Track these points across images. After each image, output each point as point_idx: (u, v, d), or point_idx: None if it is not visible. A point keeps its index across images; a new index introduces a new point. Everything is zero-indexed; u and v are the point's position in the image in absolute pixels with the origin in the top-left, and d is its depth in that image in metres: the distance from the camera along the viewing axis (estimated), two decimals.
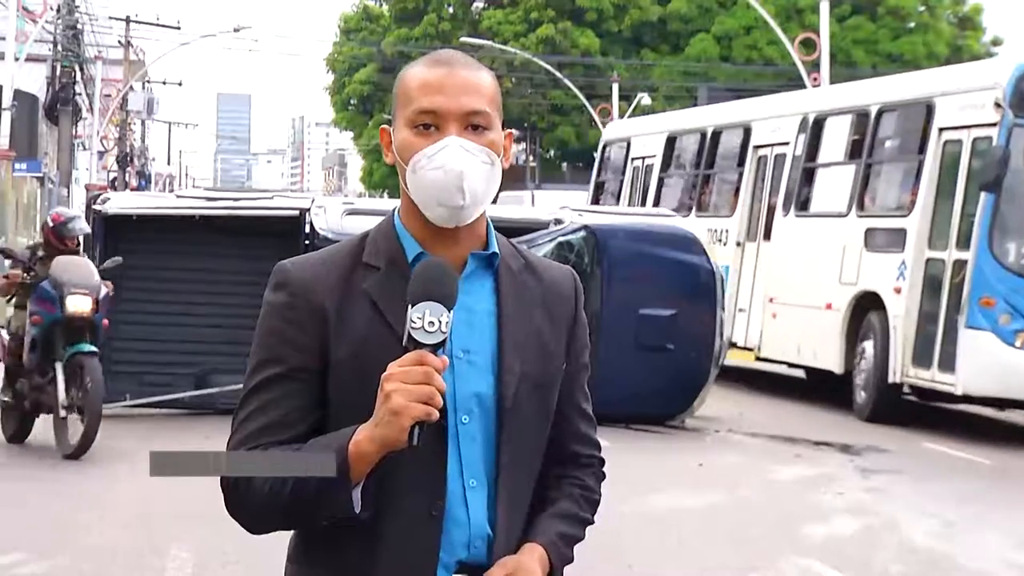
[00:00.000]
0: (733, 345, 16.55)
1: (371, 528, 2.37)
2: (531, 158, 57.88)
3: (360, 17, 58.97)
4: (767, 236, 17.30)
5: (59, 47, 44.21)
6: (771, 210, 17.28)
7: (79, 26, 46.16)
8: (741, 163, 18.21)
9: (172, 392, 13.81)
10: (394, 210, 2.51)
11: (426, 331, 2.26)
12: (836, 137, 16.34)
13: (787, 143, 17.18)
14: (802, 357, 16.52)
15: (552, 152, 59.26)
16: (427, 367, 2.25)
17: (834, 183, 16.21)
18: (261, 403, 2.41)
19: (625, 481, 9.50)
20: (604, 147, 23.25)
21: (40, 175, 42.98)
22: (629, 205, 20.66)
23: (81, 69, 46.65)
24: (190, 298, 14.03)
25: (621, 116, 46.12)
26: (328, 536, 2.40)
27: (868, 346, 14.70)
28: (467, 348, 2.43)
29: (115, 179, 57.00)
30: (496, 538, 2.42)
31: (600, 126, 46.67)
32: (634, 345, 13.76)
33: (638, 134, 22.04)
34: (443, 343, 2.28)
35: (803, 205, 16.69)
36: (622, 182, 21.64)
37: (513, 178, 54.09)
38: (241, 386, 2.47)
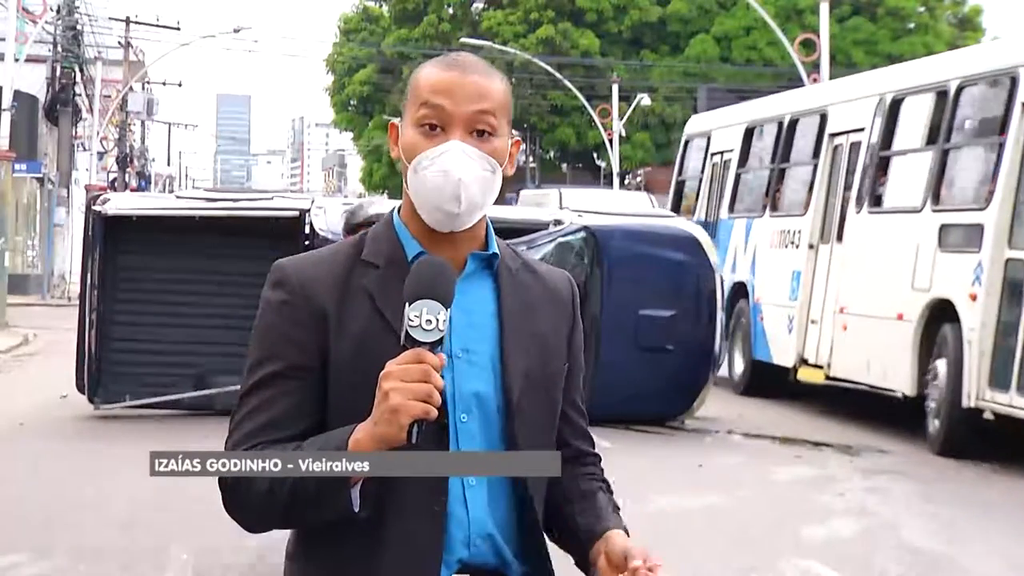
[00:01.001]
0: (804, 362, 15.57)
1: (372, 526, 2.37)
2: (531, 159, 57.86)
3: (360, 18, 58.95)
4: (840, 237, 15.33)
5: (59, 48, 44.19)
6: (845, 207, 15.37)
7: (79, 27, 46.14)
8: (816, 154, 16.21)
9: (172, 392, 13.82)
10: (394, 209, 2.52)
11: (424, 329, 2.26)
12: (913, 120, 14.17)
13: (863, 129, 15.10)
14: (871, 376, 14.33)
15: (552, 153, 59.24)
16: (425, 365, 2.25)
17: (909, 174, 14.09)
18: (259, 401, 2.41)
19: (625, 481, 9.48)
20: (685, 143, 21.17)
21: (40, 176, 42.95)
22: (707, 206, 19.21)
23: (81, 70, 46.62)
24: (190, 299, 14.04)
25: (621, 117, 46.14)
26: (328, 534, 2.40)
27: (941, 364, 12.70)
28: (467, 347, 2.43)
29: (115, 180, 56.93)
30: (505, 536, 2.43)
31: (600, 127, 46.69)
32: (634, 346, 13.77)
33: (718, 127, 19.87)
34: (441, 341, 2.28)
35: (876, 200, 14.67)
36: (700, 181, 19.80)
37: (513, 178, 54.05)
38: (240, 387, 2.47)
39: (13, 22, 29.87)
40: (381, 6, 58.76)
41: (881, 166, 14.64)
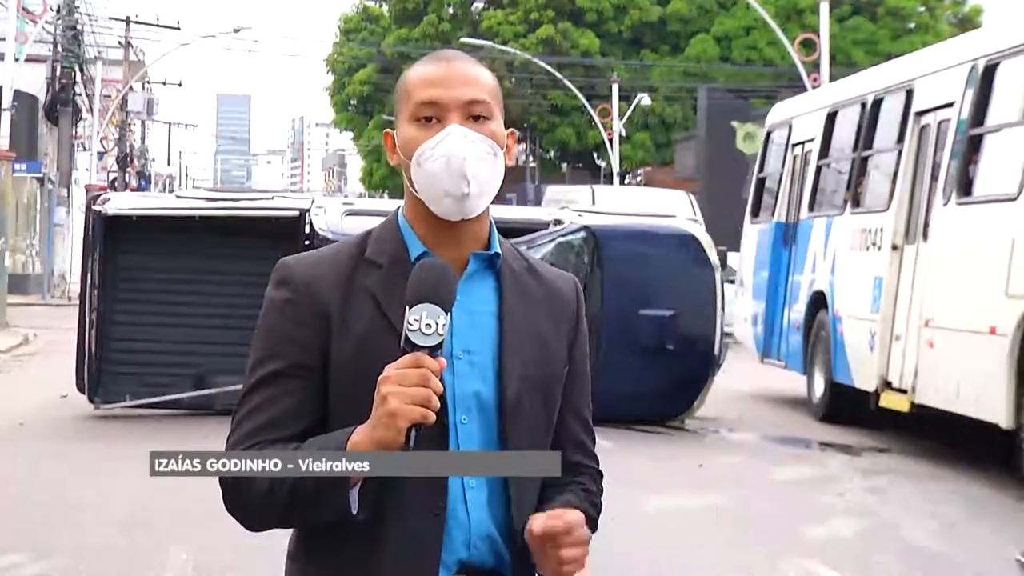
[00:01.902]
0: (887, 385, 13.15)
1: (373, 527, 2.37)
2: (531, 158, 57.86)
3: (360, 18, 58.96)
4: (926, 235, 12.86)
5: (59, 48, 44.20)
6: (932, 199, 12.89)
7: (79, 26, 46.15)
8: (901, 138, 13.76)
9: (172, 392, 13.82)
10: (398, 209, 2.52)
11: (423, 333, 2.26)
12: (1010, 89, 11.77)
13: (952, 104, 12.71)
14: (962, 404, 11.80)
15: (552, 152, 59.24)
16: (424, 369, 2.24)
17: (1004, 154, 11.71)
18: (261, 400, 2.41)
19: (625, 481, 9.50)
20: (768, 135, 18.62)
21: (40, 176, 42.98)
22: (788, 206, 16.91)
23: (81, 70, 46.64)
24: (190, 298, 14.05)
25: (621, 117, 46.13)
26: (329, 535, 2.40)
27: None
28: (468, 348, 2.43)
29: (115, 180, 56.94)
30: (514, 541, 2.42)
31: (600, 127, 46.69)
32: (634, 346, 13.78)
33: (800, 114, 17.41)
34: (440, 345, 2.27)
35: (966, 188, 12.24)
36: (781, 175, 17.37)
37: (513, 178, 54.10)
38: (240, 387, 2.47)
39: (13, 22, 29.87)
40: (381, 6, 58.76)
41: (972, 147, 12.23)
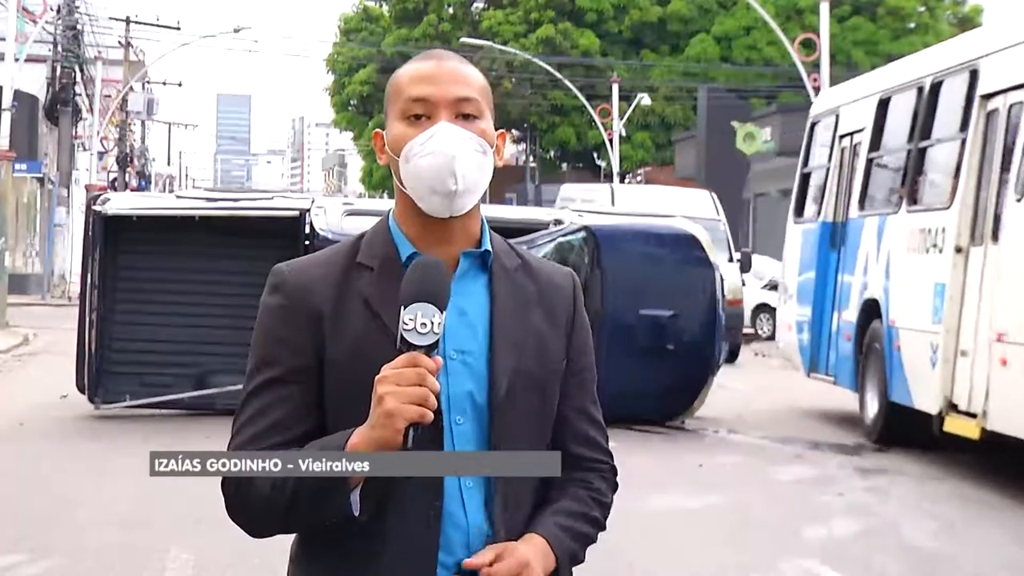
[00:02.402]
0: (953, 408, 11.66)
1: (371, 529, 2.37)
2: (531, 158, 57.87)
3: (360, 18, 58.96)
4: (995, 236, 11.37)
5: (59, 48, 44.20)
6: (1002, 195, 11.42)
7: (79, 27, 46.15)
8: (965, 126, 12.17)
9: (172, 392, 13.83)
10: (389, 211, 2.52)
11: (418, 332, 2.25)
12: None
13: None
14: None
15: (552, 152, 59.25)
16: (420, 368, 2.24)
17: None
18: (260, 406, 2.41)
19: (625, 481, 9.46)
20: (812, 126, 16.95)
21: (40, 175, 42.97)
22: (835, 203, 15.30)
23: (81, 70, 46.64)
24: (190, 298, 14.05)
25: (621, 117, 46.13)
26: (329, 536, 2.40)
27: None
28: (461, 348, 2.43)
29: (115, 180, 56.97)
30: (495, 539, 2.41)
31: (600, 127, 46.68)
32: (634, 346, 13.78)
33: (848, 102, 15.70)
34: (436, 344, 2.27)
35: None
36: (828, 171, 15.68)
37: (513, 178, 54.12)
38: (240, 387, 2.47)
39: (13, 22, 29.86)
40: (381, 6, 58.77)
41: None
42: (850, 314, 14.15)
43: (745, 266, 24.01)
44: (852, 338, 14.03)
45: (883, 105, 14.36)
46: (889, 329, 13.03)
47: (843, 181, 15.21)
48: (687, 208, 23.14)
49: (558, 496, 2.50)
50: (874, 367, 13.44)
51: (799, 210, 16.74)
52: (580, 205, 22.70)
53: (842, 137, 15.52)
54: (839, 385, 14.69)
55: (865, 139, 14.65)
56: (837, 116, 15.81)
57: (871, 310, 13.57)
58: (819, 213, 15.65)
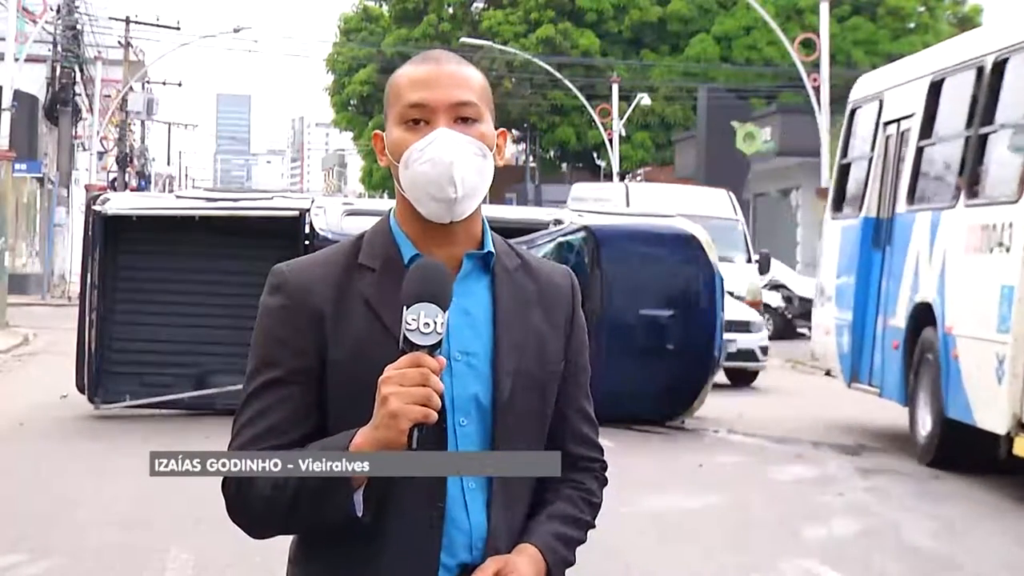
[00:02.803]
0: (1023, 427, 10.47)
1: (372, 531, 2.36)
2: (531, 158, 57.86)
3: (360, 18, 58.95)
4: None
5: (59, 47, 44.20)
6: None
7: (79, 26, 46.15)
8: None
9: (172, 392, 13.83)
10: (390, 211, 2.51)
11: (422, 332, 2.25)
12: None
13: None
14: None
15: (552, 152, 59.24)
16: (424, 369, 2.24)
17: None
18: (260, 408, 2.41)
19: (625, 481, 9.49)
20: (851, 113, 15.40)
21: (40, 175, 42.96)
22: (879, 197, 13.96)
23: (81, 70, 46.64)
24: (190, 298, 14.05)
25: (621, 117, 46.13)
26: (329, 538, 2.40)
27: None
28: (465, 350, 2.42)
29: (115, 179, 56.98)
30: (492, 540, 2.41)
31: (600, 127, 46.69)
32: (634, 346, 13.78)
33: (894, 85, 14.25)
34: (440, 344, 2.27)
35: None
36: (870, 161, 14.25)
37: (513, 178, 54.11)
38: (240, 387, 2.47)
39: (13, 22, 29.86)
40: (381, 6, 58.76)
41: None
42: (898, 319, 12.85)
43: (764, 267, 23.49)
44: (901, 346, 12.72)
45: (935, 88, 12.97)
46: (945, 337, 11.65)
47: (889, 173, 13.87)
48: (705, 207, 22.90)
49: (552, 498, 2.51)
50: (927, 379, 12.13)
51: (837, 205, 15.34)
52: (592, 205, 22.53)
53: (887, 124, 14.12)
54: (885, 397, 13.34)
55: (914, 126, 13.24)
56: (881, 101, 14.35)
57: (923, 315, 12.28)
58: (861, 208, 14.26)
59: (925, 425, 12.24)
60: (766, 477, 11.65)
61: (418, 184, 2.39)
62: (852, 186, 15.00)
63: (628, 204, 23.43)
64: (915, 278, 12.57)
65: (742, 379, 19.38)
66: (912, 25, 51.46)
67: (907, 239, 12.86)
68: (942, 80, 12.92)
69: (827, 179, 28.84)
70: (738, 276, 20.97)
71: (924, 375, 12.23)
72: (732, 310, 18.82)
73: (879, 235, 13.74)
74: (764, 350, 19.33)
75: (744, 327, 18.85)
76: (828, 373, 15.23)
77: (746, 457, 12.65)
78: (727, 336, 17.72)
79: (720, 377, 18.77)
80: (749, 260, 23.12)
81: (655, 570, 8.25)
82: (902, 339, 12.69)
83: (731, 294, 20.76)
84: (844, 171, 15.32)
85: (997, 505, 10.65)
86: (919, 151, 13.07)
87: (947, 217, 12.12)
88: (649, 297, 13.93)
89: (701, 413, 14.33)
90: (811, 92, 29.31)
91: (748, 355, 19.02)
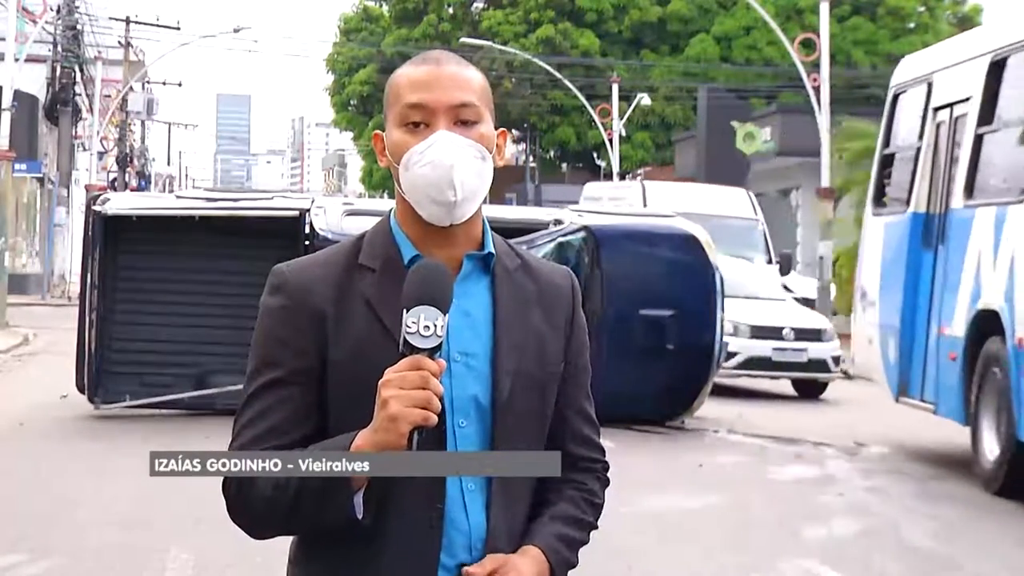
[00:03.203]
0: None
1: (372, 532, 2.36)
2: (531, 158, 57.86)
3: (360, 18, 58.94)
4: None
5: (59, 48, 44.20)
6: None
7: (79, 27, 46.15)
8: None
9: (172, 392, 13.83)
10: (390, 211, 2.51)
11: (421, 335, 2.25)
12: None
13: None
14: None
15: (552, 152, 59.24)
16: (424, 371, 2.24)
17: None
18: (261, 408, 2.40)
19: (625, 481, 9.49)
20: (894, 98, 13.93)
21: (40, 176, 42.98)
22: (929, 191, 12.64)
23: (81, 70, 46.65)
24: (190, 298, 14.05)
25: (621, 117, 46.13)
26: (329, 538, 2.40)
27: None
28: (464, 351, 2.42)
29: (115, 180, 56.98)
30: (492, 540, 2.41)
31: (600, 127, 46.69)
32: (634, 346, 13.78)
33: (945, 66, 12.87)
34: (440, 347, 2.27)
35: None
36: (918, 151, 12.90)
37: (513, 178, 54.09)
38: (241, 387, 2.47)
39: (13, 22, 29.85)
40: (381, 6, 58.75)
41: None
42: (955, 328, 11.56)
43: (785, 268, 22.65)
44: (959, 358, 11.41)
45: (997, 68, 11.63)
46: (1016, 351, 10.46)
47: (941, 163, 12.52)
48: (724, 207, 22.64)
49: (555, 499, 2.50)
50: (993, 397, 10.92)
51: (879, 199, 13.98)
52: (607, 204, 22.39)
53: (937, 110, 12.74)
54: (941, 415, 12.03)
55: (972, 110, 11.89)
56: (929, 84, 12.95)
57: (986, 324, 11.02)
58: (908, 203, 12.90)
59: (991, 449, 10.96)
60: (766, 477, 11.65)
61: (418, 187, 2.39)
62: (896, 179, 13.58)
63: (645, 204, 22.74)
64: (976, 282, 11.28)
65: (811, 391, 18.22)
66: (912, 25, 51.47)
67: (965, 238, 11.59)
68: (1005, 59, 11.58)
69: (827, 179, 28.90)
70: (759, 277, 20.26)
71: (989, 392, 10.97)
72: (803, 317, 18.55)
73: (930, 233, 12.43)
74: (836, 360, 18.00)
75: (815, 336, 17.89)
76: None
77: (746, 457, 12.65)
78: (796, 345, 17.53)
79: (783, 387, 18.42)
80: (769, 261, 22.44)
81: (655, 570, 8.24)
82: (961, 350, 11.37)
83: (795, 299, 20.44)
84: (886, 162, 13.92)
85: (997, 505, 10.65)
86: (978, 139, 11.78)
87: (1015, 213, 10.85)
88: (649, 297, 13.93)
89: (701, 413, 14.33)
90: (811, 92, 29.29)
91: (820, 365, 17.76)
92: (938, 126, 12.69)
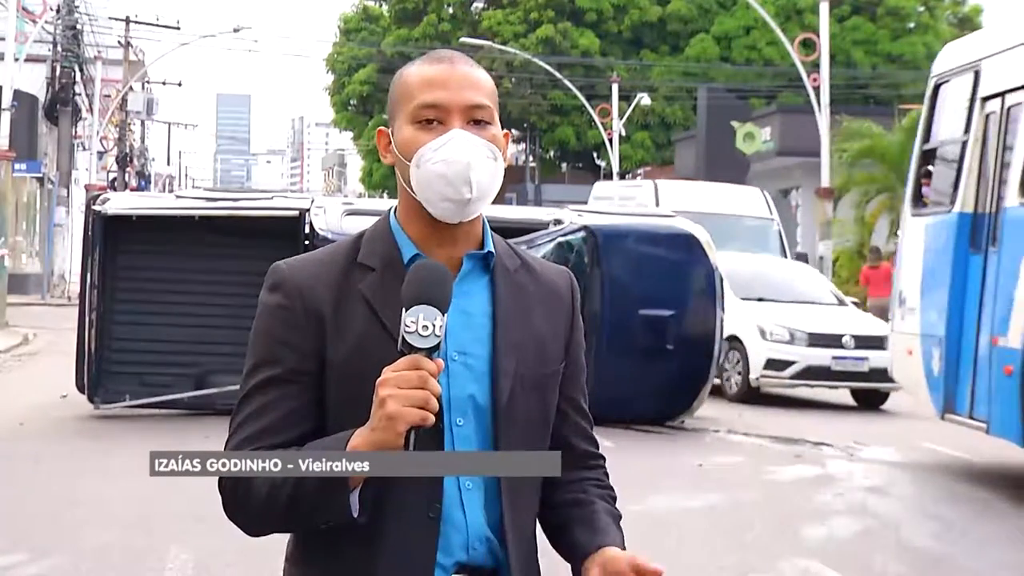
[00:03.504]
0: None
1: (369, 530, 2.36)
2: (531, 158, 57.86)
3: (360, 18, 58.96)
4: None
5: (59, 47, 44.21)
6: None
7: (79, 26, 46.15)
8: None
9: (172, 392, 13.83)
10: (390, 210, 2.50)
11: (420, 335, 2.24)
12: None
13: None
14: None
15: (552, 152, 59.25)
16: (422, 371, 2.23)
17: None
18: (258, 406, 2.40)
19: (625, 481, 9.49)
20: (936, 88, 12.82)
21: (40, 175, 42.98)
22: (978, 188, 11.69)
23: (81, 69, 46.65)
24: (190, 298, 14.06)
25: (621, 117, 46.12)
26: (326, 538, 2.39)
27: None
28: (463, 350, 2.42)
29: (115, 179, 57.00)
30: (506, 541, 2.42)
31: (600, 126, 46.68)
32: (634, 346, 13.78)
33: (994, 53, 11.82)
34: (438, 347, 2.27)
35: None
36: (964, 145, 11.90)
37: (513, 178, 54.09)
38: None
39: (13, 22, 29.87)
40: (381, 6, 58.77)
41: None
42: (1011, 339, 10.61)
43: None
44: (1016, 372, 10.46)
45: None
46: None
47: (991, 158, 11.54)
48: (739, 207, 22.32)
49: (592, 499, 2.55)
50: None
51: (918, 197, 12.88)
52: (617, 203, 22.19)
53: (986, 100, 11.70)
54: (996, 435, 10.98)
55: None
56: (977, 73, 11.91)
57: None
58: (953, 202, 11.89)
59: None
60: (766, 477, 11.65)
61: (431, 184, 2.38)
62: (939, 176, 12.52)
63: (658, 203, 22.31)
64: None
65: (871, 401, 17.33)
66: (912, 25, 51.49)
67: (1021, 239, 10.71)
68: None
69: (827, 179, 28.92)
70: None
71: None
72: (863, 323, 17.69)
73: (980, 234, 11.45)
74: None
75: (877, 343, 16.58)
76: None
77: (746, 457, 12.65)
78: (857, 354, 16.81)
79: (842, 396, 17.72)
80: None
81: None
82: (1018, 363, 10.42)
83: (855, 304, 19.47)
84: (927, 158, 12.80)
85: (997, 505, 10.65)
86: None
87: None
88: (649, 297, 13.93)
89: (701, 413, 14.33)
90: (811, 92, 29.32)
91: (882, 375, 16.43)
92: (987, 117, 11.68)
